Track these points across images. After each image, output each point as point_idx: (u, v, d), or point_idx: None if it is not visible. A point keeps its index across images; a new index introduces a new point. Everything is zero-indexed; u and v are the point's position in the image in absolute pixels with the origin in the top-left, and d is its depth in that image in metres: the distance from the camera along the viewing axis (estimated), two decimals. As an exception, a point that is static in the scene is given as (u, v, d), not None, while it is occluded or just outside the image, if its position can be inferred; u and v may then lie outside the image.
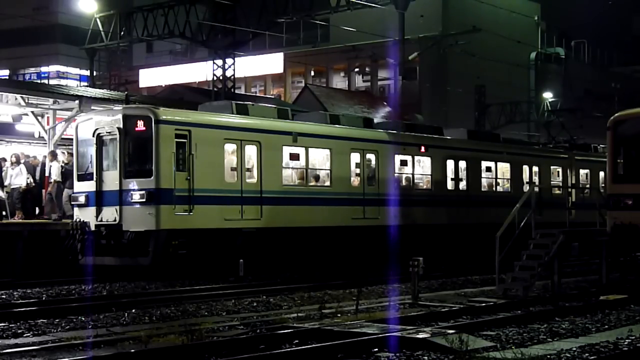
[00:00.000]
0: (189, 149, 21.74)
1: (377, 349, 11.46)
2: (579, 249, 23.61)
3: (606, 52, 77.97)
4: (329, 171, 25.47)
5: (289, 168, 24.55)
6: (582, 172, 35.88)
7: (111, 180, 21.86)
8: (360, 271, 23.80)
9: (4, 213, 25.10)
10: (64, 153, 26.59)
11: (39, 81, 65.09)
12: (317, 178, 25.46)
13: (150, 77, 67.10)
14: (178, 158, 21.55)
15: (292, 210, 24.19)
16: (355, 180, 26.27)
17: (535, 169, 33.37)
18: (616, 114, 20.95)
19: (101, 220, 21.87)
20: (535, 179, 33.12)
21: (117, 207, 21.54)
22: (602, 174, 32.70)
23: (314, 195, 24.93)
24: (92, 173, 22.30)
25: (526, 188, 30.44)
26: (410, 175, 28.34)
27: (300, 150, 24.72)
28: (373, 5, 35.55)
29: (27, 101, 27.09)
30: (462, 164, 30.25)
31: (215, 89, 36.65)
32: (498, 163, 31.82)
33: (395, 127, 28.85)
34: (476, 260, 27.05)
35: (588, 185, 34.87)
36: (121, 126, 21.77)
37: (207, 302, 17.23)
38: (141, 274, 21.41)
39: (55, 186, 25.08)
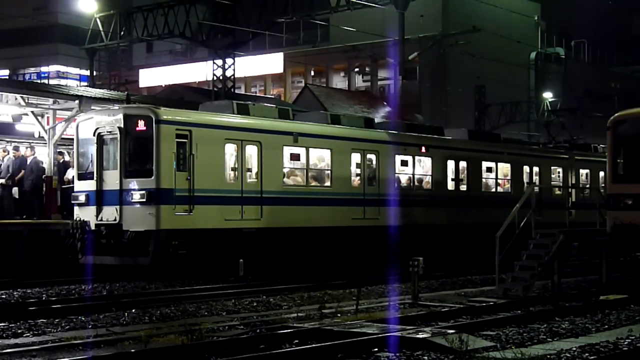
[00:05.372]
0: (190, 149, 21.73)
1: (377, 349, 11.46)
2: (579, 249, 23.63)
3: (606, 52, 77.98)
4: (329, 171, 25.47)
5: (289, 168, 24.56)
6: (582, 172, 35.88)
7: (111, 179, 21.87)
8: (360, 271, 23.79)
9: None
10: (62, 152, 26.63)
11: (39, 81, 65.03)
12: (317, 178, 25.46)
13: (150, 77, 67.09)
14: (179, 158, 21.54)
15: (293, 210, 24.19)
16: (355, 181, 26.27)
17: (535, 169, 33.37)
18: (616, 114, 20.95)
19: (101, 220, 21.88)
20: (536, 179, 33.13)
21: (118, 207, 21.54)
22: (602, 174, 32.70)
23: (315, 196, 24.92)
24: (93, 172, 22.31)
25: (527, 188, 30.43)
26: (411, 176, 28.33)
27: (301, 151, 24.71)
28: (373, 5, 35.58)
29: (27, 101, 27.07)
30: (463, 164, 30.25)
31: (215, 89, 36.66)
32: (499, 163, 31.82)
33: (396, 127, 28.85)
34: (476, 260, 27.05)
35: (588, 185, 34.88)
36: (122, 126, 21.78)
37: (207, 302, 17.22)
38: (141, 274, 21.41)
39: None
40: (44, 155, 26.84)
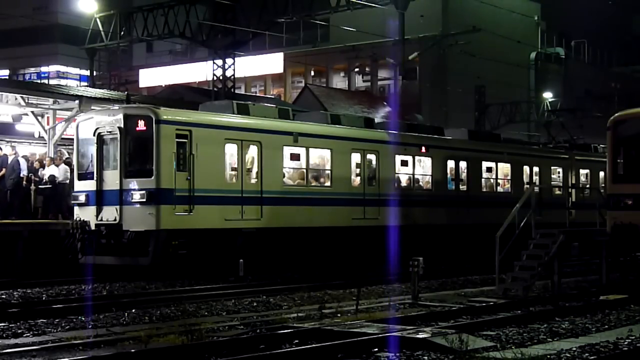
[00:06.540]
0: (190, 149, 21.74)
1: (377, 349, 11.46)
2: (579, 249, 23.60)
3: (606, 52, 77.98)
4: (329, 171, 25.47)
5: (289, 168, 24.55)
6: (582, 172, 35.90)
7: (112, 179, 21.87)
8: (360, 271, 23.79)
9: None
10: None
11: (39, 81, 65.09)
12: (317, 178, 25.46)
13: (150, 77, 67.09)
14: (179, 158, 21.54)
15: (293, 210, 24.19)
16: (355, 181, 26.28)
17: (535, 169, 33.39)
18: (616, 114, 20.95)
19: (101, 220, 21.88)
20: (536, 179, 33.14)
21: (118, 207, 21.54)
22: (602, 174, 32.71)
23: (315, 196, 24.92)
24: (93, 172, 22.31)
25: (526, 188, 30.43)
26: (411, 176, 28.34)
27: (301, 151, 24.72)
28: (373, 5, 35.50)
29: (27, 101, 27.11)
30: (463, 165, 30.25)
31: (215, 89, 36.64)
32: (499, 163, 31.83)
33: (396, 127, 28.85)
34: (476, 260, 27.05)
35: (588, 185, 34.89)
36: (122, 126, 21.78)
37: (207, 302, 17.23)
38: (141, 274, 21.41)
39: None
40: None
